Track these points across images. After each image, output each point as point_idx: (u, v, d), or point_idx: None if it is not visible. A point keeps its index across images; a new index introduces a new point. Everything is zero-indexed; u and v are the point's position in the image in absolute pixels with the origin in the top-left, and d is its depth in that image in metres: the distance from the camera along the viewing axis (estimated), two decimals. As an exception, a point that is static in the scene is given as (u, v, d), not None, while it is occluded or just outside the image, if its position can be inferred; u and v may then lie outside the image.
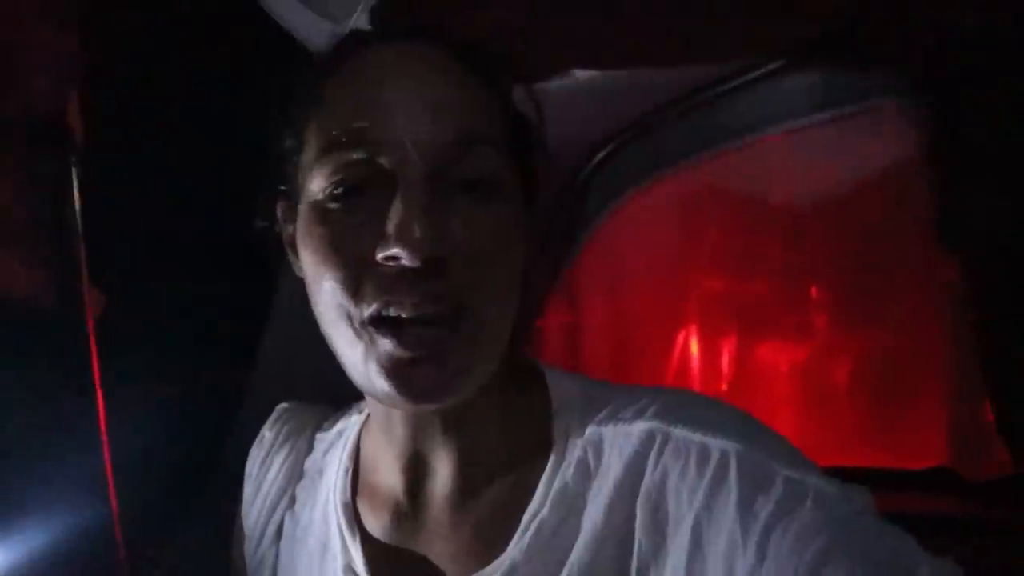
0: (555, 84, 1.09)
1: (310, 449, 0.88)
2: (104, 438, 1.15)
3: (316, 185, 0.64)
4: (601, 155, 1.33)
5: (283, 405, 0.93)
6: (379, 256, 0.60)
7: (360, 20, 0.85)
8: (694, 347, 1.51)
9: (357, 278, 0.62)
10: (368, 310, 0.62)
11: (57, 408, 1.11)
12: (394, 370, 0.62)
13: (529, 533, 0.67)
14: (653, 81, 1.18)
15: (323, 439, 0.87)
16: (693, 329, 1.51)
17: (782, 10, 1.01)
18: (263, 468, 0.89)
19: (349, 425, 0.84)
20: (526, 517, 0.68)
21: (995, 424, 1.24)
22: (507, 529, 0.68)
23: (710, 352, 1.50)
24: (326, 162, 0.63)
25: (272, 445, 0.89)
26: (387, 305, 0.61)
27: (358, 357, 0.63)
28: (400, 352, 0.61)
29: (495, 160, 0.64)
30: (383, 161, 0.62)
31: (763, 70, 1.18)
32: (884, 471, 1.35)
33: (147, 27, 1.15)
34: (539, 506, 0.68)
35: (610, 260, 1.45)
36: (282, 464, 0.87)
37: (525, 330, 1.37)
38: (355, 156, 0.62)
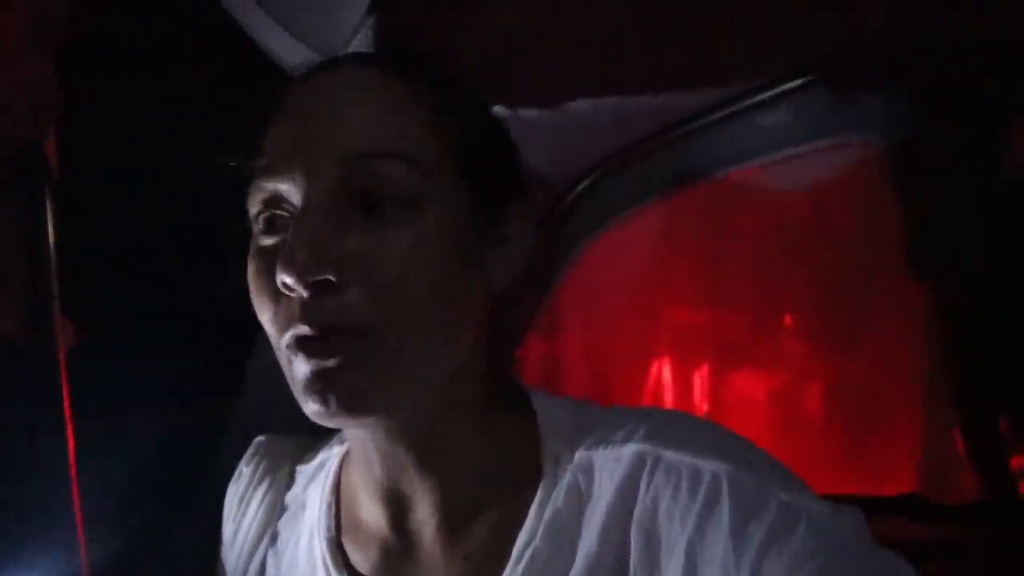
0: (532, 116, 1.09)
1: (291, 483, 0.85)
2: (73, 476, 1.12)
3: (252, 218, 0.65)
4: (580, 188, 1.34)
5: (260, 438, 0.90)
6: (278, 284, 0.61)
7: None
8: (668, 377, 1.52)
9: (275, 308, 0.62)
10: (285, 337, 0.62)
11: (26, 444, 1.08)
12: (311, 383, 0.61)
13: (523, 563, 0.66)
14: (631, 114, 1.20)
15: (304, 472, 0.84)
16: (667, 360, 1.52)
17: (758, 46, 1.04)
18: (242, 506, 0.86)
19: (330, 457, 0.82)
20: (518, 547, 0.66)
21: (964, 451, 1.27)
22: (499, 559, 0.67)
23: (685, 382, 1.51)
24: (251, 195, 0.64)
25: (250, 481, 0.86)
26: (291, 333, 0.61)
27: (291, 382, 0.63)
28: (313, 365, 0.60)
29: (404, 175, 0.62)
30: (282, 188, 0.62)
31: (736, 107, 1.21)
32: (856, 497, 1.38)
33: (125, 57, 1.14)
34: (531, 535, 0.66)
35: (587, 291, 1.45)
36: (261, 500, 0.84)
37: (508, 356, 1.37)
38: (266, 187, 0.63)
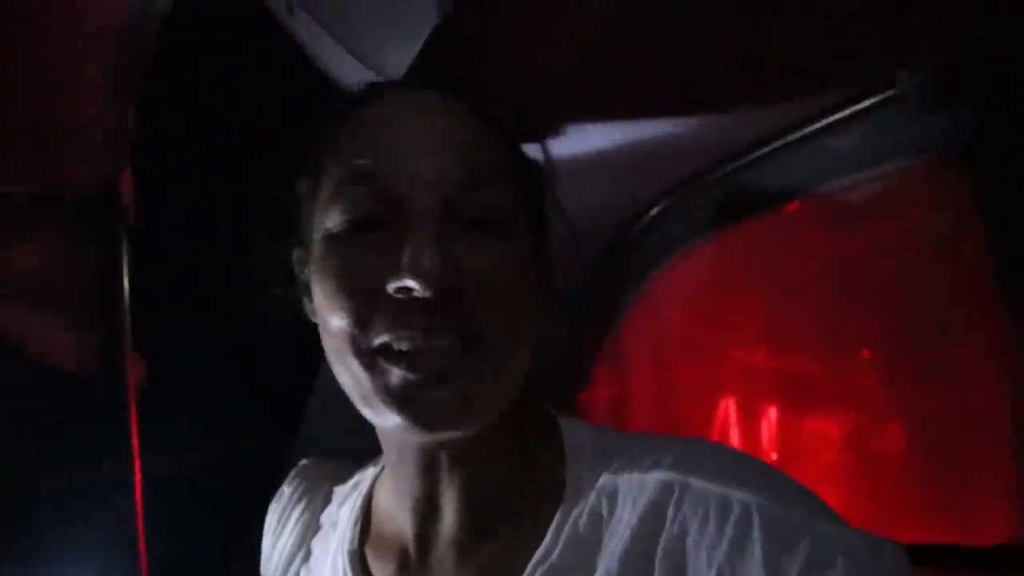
0: (596, 149, 1.10)
1: (327, 503, 0.87)
2: (139, 507, 1.14)
3: (330, 221, 0.65)
4: (643, 221, 1.33)
5: (303, 461, 0.94)
6: (391, 287, 0.61)
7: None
8: (737, 417, 1.46)
9: (367, 309, 0.62)
10: (378, 339, 0.62)
11: (95, 475, 1.10)
12: (404, 394, 0.62)
13: None
14: (695, 144, 1.19)
15: (340, 492, 0.87)
16: (736, 399, 1.47)
17: (825, 68, 1.02)
18: (280, 523, 0.89)
19: (365, 477, 0.85)
20: (534, 562, 0.66)
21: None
22: (515, 574, 0.67)
23: (754, 422, 1.45)
24: (339, 198, 0.65)
25: (290, 500, 0.90)
26: (397, 336, 0.62)
27: (367, 388, 0.63)
28: (410, 376, 0.61)
29: (502, 197, 0.66)
30: (396, 193, 0.63)
31: (805, 131, 1.18)
32: (947, 548, 1.28)
33: (199, 103, 1.19)
34: (548, 551, 0.66)
35: (653, 329, 1.43)
36: (299, 518, 0.87)
37: (568, 392, 1.35)
38: (368, 190, 0.64)
